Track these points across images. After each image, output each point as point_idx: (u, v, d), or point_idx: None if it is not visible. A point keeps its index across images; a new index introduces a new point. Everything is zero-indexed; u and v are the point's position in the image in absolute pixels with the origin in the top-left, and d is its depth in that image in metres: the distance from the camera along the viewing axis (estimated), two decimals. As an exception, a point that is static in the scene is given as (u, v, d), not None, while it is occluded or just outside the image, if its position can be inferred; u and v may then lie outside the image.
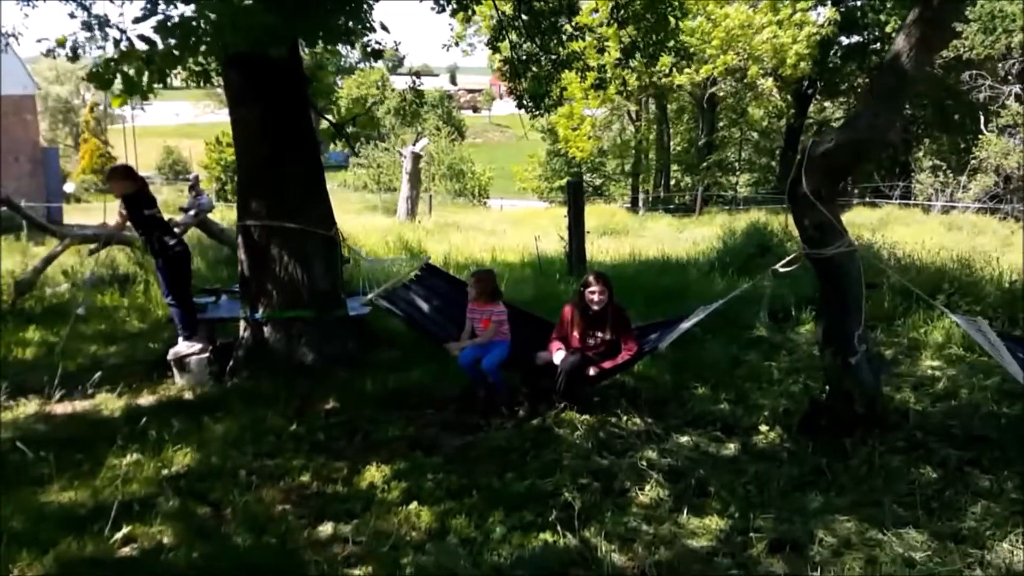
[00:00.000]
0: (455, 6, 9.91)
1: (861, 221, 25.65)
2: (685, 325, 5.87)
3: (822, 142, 5.06)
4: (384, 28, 7.18)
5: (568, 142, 36.95)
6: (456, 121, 62.65)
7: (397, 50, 9.99)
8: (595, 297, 5.99)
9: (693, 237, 19.98)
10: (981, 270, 10.05)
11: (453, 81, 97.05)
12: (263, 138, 6.59)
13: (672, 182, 44.09)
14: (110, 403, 6.16)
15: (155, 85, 5.15)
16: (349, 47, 7.24)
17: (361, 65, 58.17)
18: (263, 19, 4.55)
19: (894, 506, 4.44)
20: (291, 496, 4.57)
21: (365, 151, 46.83)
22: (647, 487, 4.69)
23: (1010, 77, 27.56)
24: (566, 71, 10.70)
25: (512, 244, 16.89)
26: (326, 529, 4.23)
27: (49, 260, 10.15)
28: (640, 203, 40.37)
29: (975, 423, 5.54)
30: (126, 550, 4.05)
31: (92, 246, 9.54)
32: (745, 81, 33.19)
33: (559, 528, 4.13)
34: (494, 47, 10.26)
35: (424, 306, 6.63)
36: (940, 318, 8.04)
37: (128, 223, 6.99)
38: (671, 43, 9.45)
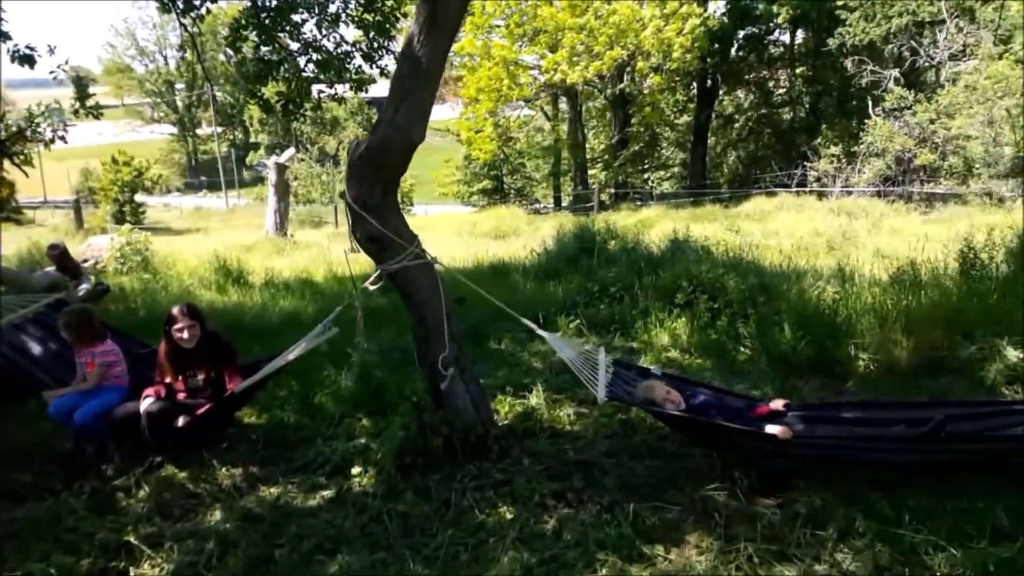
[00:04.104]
0: (182, 6, 9.16)
1: (751, 210, 25.41)
2: (290, 356, 5.14)
3: (360, 145, 4.36)
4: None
5: (471, 144, 36.12)
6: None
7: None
8: (185, 335, 5.22)
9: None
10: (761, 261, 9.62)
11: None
12: None
13: (592, 182, 43.48)
14: None
15: None
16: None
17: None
18: None
19: (416, 565, 3.77)
20: None
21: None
22: (145, 563, 3.95)
23: (888, 62, 27.72)
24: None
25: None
26: None
27: None
28: (554, 203, 39.78)
29: (596, 445, 4.88)
30: None
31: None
32: (634, 76, 32.90)
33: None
34: (235, 47, 9.48)
35: (37, 349, 5.83)
36: (676, 318, 7.45)
37: None
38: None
